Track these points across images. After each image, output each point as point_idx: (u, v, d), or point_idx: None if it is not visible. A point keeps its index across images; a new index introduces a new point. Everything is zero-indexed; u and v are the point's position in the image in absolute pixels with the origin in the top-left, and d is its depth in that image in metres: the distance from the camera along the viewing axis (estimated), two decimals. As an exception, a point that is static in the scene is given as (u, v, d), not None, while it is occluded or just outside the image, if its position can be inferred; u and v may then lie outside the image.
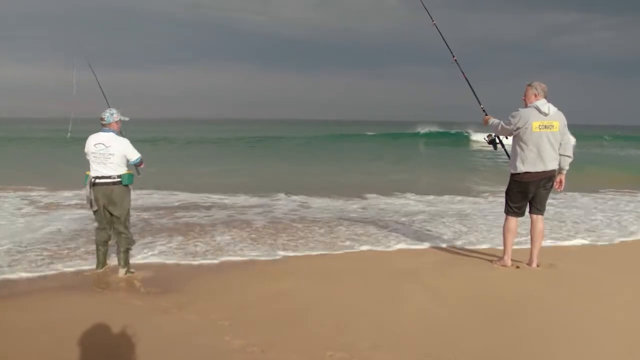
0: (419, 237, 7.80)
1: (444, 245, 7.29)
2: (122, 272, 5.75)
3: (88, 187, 5.62)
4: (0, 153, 25.40)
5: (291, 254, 6.85)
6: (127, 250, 5.82)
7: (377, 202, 11.11)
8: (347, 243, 7.41)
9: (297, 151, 30.32)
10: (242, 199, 11.31)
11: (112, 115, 5.62)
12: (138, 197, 10.62)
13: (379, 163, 22.40)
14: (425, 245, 7.28)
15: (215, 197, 11.43)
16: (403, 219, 9.24)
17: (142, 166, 5.86)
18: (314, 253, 6.92)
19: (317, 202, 10.98)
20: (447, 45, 6.83)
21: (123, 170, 5.64)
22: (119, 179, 5.58)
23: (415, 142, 37.27)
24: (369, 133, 46.48)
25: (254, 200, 11.17)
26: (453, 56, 6.79)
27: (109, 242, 5.92)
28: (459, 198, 11.77)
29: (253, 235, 7.86)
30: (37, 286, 5.45)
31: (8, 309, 4.81)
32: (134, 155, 5.67)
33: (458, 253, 6.88)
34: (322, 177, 16.62)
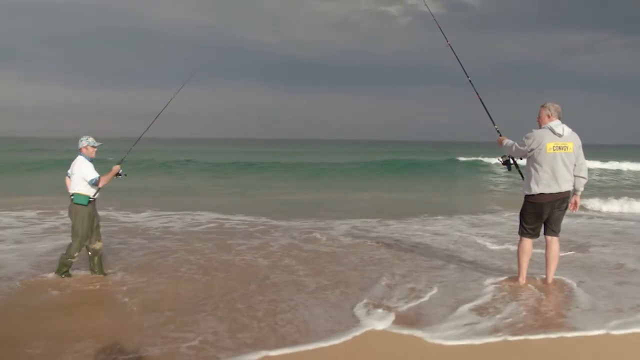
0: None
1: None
2: (53, 274, 6.21)
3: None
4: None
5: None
6: (66, 258, 6.18)
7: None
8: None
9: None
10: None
11: (80, 142, 6.30)
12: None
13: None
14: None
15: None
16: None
17: (100, 185, 6.24)
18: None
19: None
20: (462, 66, 6.85)
21: (78, 190, 6.16)
22: (72, 197, 6.19)
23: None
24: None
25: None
26: (467, 77, 6.79)
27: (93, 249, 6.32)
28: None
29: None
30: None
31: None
32: (89, 176, 6.14)
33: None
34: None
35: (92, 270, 6.31)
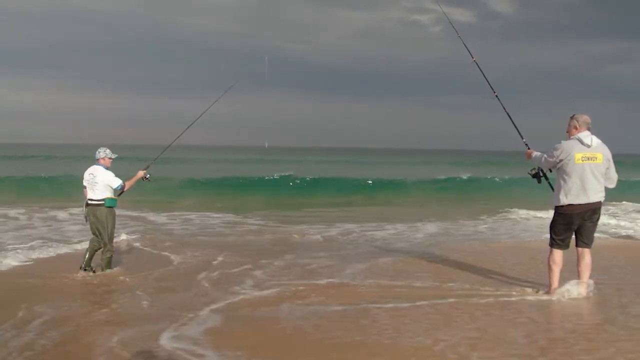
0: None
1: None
2: (100, 270, 6.97)
3: (84, 206, 6.98)
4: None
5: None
6: (109, 258, 7.00)
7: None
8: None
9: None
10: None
11: (99, 153, 6.96)
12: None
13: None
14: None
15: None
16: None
17: (125, 190, 6.98)
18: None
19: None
20: (488, 82, 6.91)
21: (107, 195, 6.84)
22: (102, 202, 6.82)
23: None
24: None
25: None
26: (494, 92, 6.85)
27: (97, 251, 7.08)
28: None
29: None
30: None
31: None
32: (115, 183, 6.85)
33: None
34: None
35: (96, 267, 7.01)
